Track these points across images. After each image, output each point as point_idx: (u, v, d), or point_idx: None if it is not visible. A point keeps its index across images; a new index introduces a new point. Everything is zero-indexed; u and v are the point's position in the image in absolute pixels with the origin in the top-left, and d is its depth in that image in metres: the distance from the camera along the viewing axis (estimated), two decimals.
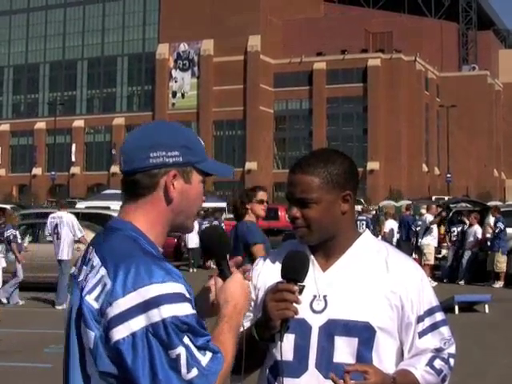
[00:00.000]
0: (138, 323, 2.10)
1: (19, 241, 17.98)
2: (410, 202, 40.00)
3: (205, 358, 2.15)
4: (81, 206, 35.95)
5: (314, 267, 2.68)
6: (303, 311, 2.59)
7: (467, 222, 24.32)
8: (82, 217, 23.72)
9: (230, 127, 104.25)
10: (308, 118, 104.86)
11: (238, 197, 8.04)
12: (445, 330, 2.69)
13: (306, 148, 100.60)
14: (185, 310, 2.14)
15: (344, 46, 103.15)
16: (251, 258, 6.94)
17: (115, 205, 30.90)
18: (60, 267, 16.91)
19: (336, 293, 2.63)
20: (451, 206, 27.85)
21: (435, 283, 22.20)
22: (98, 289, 2.18)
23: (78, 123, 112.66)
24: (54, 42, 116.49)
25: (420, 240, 23.34)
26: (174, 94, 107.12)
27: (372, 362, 2.58)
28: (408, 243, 25.17)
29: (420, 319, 2.63)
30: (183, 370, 2.11)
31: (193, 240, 26.67)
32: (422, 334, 2.63)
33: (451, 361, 2.70)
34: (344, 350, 2.58)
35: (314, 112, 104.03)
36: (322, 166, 2.65)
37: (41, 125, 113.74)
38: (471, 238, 23.18)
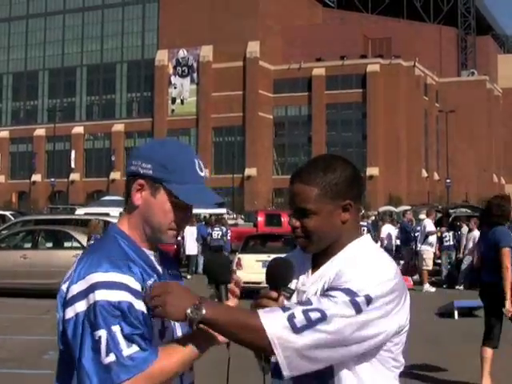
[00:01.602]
0: (81, 306, 2.33)
1: None
2: (410, 208, 40.00)
3: (128, 350, 2.27)
4: (80, 212, 35.91)
5: (307, 271, 2.70)
6: None
7: (464, 227, 24.33)
8: (82, 223, 23.70)
9: (229, 133, 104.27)
10: (307, 124, 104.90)
11: (497, 204, 9.13)
12: (340, 298, 2.42)
13: (305, 154, 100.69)
14: (119, 296, 2.31)
15: (343, 51, 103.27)
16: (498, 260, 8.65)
17: (115, 211, 30.88)
18: None
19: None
20: (450, 211, 27.85)
21: (434, 289, 22.20)
22: (69, 279, 2.45)
23: (78, 130, 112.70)
24: (53, 49, 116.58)
25: (419, 246, 23.27)
26: (174, 101, 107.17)
27: (335, 365, 2.50)
28: (408, 248, 25.19)
29: (331, 289, 2.47)
30: (102, 352, 2.26)
31: (191, 247, 26.72)
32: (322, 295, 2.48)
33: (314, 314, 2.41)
34: None
35: (314, 118, 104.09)
36: (321, 176, 2.61)
37: (40, 131, 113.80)
38: (471, 244, 23.16)
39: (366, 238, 2.73)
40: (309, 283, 2.66)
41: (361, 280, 2.45)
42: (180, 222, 2.55)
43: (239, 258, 20.91)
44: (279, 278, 2.57)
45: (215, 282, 2.55)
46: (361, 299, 2.41)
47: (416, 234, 24.62)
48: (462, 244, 23.81)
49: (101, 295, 2.30)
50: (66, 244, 20.65)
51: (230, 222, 42.33)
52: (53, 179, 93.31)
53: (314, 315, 2.36)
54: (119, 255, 2.44)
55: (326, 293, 2.47)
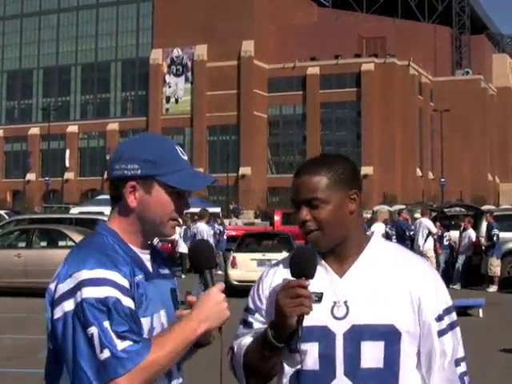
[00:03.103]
0: (69, 305, 2.35)
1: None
2: (404, 207, 39.99)
3: (122, 344, 2.29)
4: (75, 211, 35.91)
5: (327, 273, 2.64)
6: (325, 318, 2.57)
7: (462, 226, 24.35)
8: (76, 222, 23.68)
9: (223, 132, 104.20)
10: (302, 123, 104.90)
11: None
12: (458, 332, 2.68)
13: (299, 153, 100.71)
14: (106, 292, 2.33)
15: (337, 50, 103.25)
16: None
17: (109, 210, 30.89)
18: None
19: (357, 297, 2.59)
20: (445, 210, 27.87)
21: None
22: (57, 278, 2.45)
23: (72, 129, 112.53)
24: (47, 48, 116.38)
25: (421, 244, 23.15)
26: (168, 100, 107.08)
27: (400, 365, 2.56)
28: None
29: (439, 318, 2.61)
30: (97, 349, 2.28)
31: (183, 245, 26.73)
32: (441, 334, 2.61)
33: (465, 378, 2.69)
34: (371, 355, 2.54)
35: (308, 117, 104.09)
36: (327, 167, 2.63)
37: (34, 130, 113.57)
38: (465, 242, 23.20)
39: (380, 237, 2.82)
40: (343, 284, 2.63)
41: (448, 295, 2.70)
42: (179, 210, 2.59)
43: (234, 257, 20.98)
44: (307, 266, 2.53)
45: (199, 268, 2.56)
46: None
47: (411, 233, 24.56)
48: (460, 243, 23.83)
49: (87, 292, 2.32)
50: (61, 243, 20.65)
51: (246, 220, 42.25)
52: (47, 178, 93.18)
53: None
54: (106, 252, 2.46)
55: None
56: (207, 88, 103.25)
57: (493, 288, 22.01)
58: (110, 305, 2.31)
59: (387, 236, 26.03)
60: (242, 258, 20.60)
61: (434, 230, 23.18)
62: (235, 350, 2.73)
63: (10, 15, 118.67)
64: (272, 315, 2.63)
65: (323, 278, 2.62)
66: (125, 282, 2.39)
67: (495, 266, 22.20)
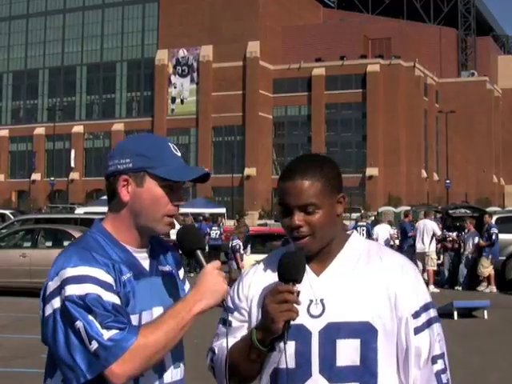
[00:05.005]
0: (56, 302, 2.42)
1: (242, 251, 20.43)
2: (409, 208, 39.98)
3: (108, 333, 2.34)
4: (80, 211, 35.93)
5: (306, 273, 2.61)
6: (301, 317, 2.54)
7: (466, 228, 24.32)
8: (81, 222, 23.69)
9: (229, 133, 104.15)
10: (307, 124, 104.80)
11: None
12: (437, 328, 2.64)
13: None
14: (86, 289, 2.38)
15: (343, 52, 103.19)
16: None
17: None
18: None
19: (333, 295, 2.59)
20: (450, 212, 27.81)
21: (438, 290, 22.13)
22: (48, 276, 2.53)
23: (77, 129, 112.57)
24: (53, 48, 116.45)
25: (427, 246, 23.07)
26: (173, 100, 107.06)
27: (378, 363, 2.54)
28: (409, 248, 25.06)
29: (416, 315, 2.59)
30: (86, 341, 2.34)
31: None
32: (417, 331, 2.58)
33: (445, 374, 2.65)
34: (347, 353, 2.54)
35: (313, 118, 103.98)
36: (320, 171, 2.62)
37: (40, 130, 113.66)
38: (469, 244, 23.16)
39: (356, 233, 2.82)
40: (320, 282, 2.64)
41: (427, 292, 2.71)
42: (173, 204, 2.60)
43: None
44: (297, 271, 2.53)
45: (190, 250, 2.60)
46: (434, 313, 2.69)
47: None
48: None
49: (70, 290, 2.38)
50: (66, 243, 20.60)
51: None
52: (52, 178, 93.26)
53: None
54: (91, 249, 2.51)
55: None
56: (212, 89, 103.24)
57: (485, 287, 21.99)
58: (90, 301, 2.36)
59: (391, 236, 26.09)
60: (247, 259, 20.59)
61: (439, 232, 23.15)
62: (216, 351, 2.74)
63: (15, 15, 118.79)
64: (253, 316, 2.67)
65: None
66: (108, 278, 2.44)
67: (485, 267, 22.11)
